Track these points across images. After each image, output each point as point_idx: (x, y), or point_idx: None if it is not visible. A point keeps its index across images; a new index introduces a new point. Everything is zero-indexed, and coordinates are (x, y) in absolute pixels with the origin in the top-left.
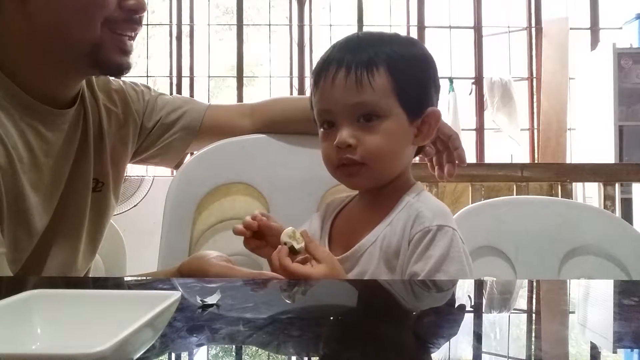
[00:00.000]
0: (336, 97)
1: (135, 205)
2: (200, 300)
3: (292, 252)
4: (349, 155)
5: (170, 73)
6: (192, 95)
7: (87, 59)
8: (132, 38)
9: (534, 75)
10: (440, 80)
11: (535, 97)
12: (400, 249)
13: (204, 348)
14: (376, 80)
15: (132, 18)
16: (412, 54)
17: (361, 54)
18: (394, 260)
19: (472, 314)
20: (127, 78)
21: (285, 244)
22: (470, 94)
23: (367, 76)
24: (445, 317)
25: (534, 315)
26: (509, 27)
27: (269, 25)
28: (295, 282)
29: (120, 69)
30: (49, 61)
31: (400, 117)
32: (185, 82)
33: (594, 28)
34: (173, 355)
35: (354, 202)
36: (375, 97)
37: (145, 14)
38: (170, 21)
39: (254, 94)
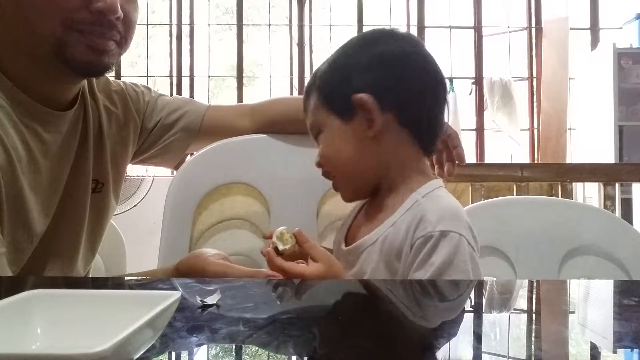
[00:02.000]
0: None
1: (135, 205)
2: (200, 300)
3: (277, 252)
4: (323, 170)
5: (170, 73)
6: (192, 95)
7: (56, 57)
8: (109, 39)
9: (534, 75)
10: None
11: (535, 97)
12: (402, 252)
13: (204, 348)
14: (311, 103)
15: (102, 21)
16: (337, 57)
17: (308, 83)
18: (395, 262)
19: (472, 314)
20: (127, 78)
21: (273, 244)
22: (470, 94)
23: (305, 103)
24: (445, 317)
25: (534, 315)
26: (509, 27)
27: (269, 25)
28: (295, 282)
29: (94, 68)
30: (28, 59)
31: (333, 122)
32: (185, 82)
33: (594, 28)
34: (173, 355)
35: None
36: (314, 117)
37: (120, 16)
38: (170, 21)
39: (254, 94)
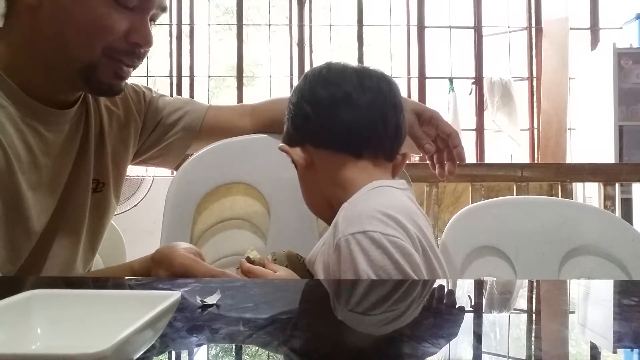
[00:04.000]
0: None
1: (135, 205)
2: (200, 300)
3: (249, 261)
4: None
5: (170, 73)
6: (192, 95)
7: (80, 76)
8: (132, 67)
9: (534, 75)
10: (441, 81)
11: (535, 97)
12: (332, 267)
13: (204, 348)
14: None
15: (134, 51)
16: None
17: None
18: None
19: (472, 314)
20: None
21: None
22: (470, 94)
23: None
24: (445, 317)
25: (534, 315)
26: (509, 27)
27: (269, 25)
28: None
29: (111, 91)
30: (47, 71)
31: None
32: (185, 82)
33: (594, 28)
34: (173, 355)
35: None
36: None
37: (149, 50)
38: (170, 21)
39: (254, 94)
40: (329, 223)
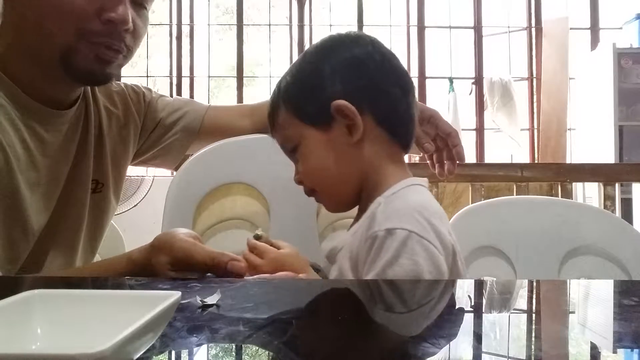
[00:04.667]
0: (277, 144)
1: (135, 205)
2: (200, 300)
3: (256, 238)
4: (304, 187)
5: (170, 73)
6: (192, 95)
7: (62, 64)
8: (120, 51)
9: (534, 75)
10: (441, 81)
11: (535, 97)
12: (360, 257)
13: (204, 348)
14: (279, 117)
15: (112, 32)
16: (300, 68)
17: (270, 99)
18: (360, 267)
19: (472, 314)
20: (127, 78)
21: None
22: (470, 94)
23: (272, 119)
24: (445, 317)
25: (534, 315)
26: (509, 27)
27: (269, 25)
28: (297, 282)
29: (95, 78)
30: (33, 62)
31: (310, 134)
32: (185, 82)
33: (594, 28)
34: (173, 355)
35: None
36: (285, 132)
37: (130, 28)
38: (170, 21)
39: (254, 94)
40: (344, 207)
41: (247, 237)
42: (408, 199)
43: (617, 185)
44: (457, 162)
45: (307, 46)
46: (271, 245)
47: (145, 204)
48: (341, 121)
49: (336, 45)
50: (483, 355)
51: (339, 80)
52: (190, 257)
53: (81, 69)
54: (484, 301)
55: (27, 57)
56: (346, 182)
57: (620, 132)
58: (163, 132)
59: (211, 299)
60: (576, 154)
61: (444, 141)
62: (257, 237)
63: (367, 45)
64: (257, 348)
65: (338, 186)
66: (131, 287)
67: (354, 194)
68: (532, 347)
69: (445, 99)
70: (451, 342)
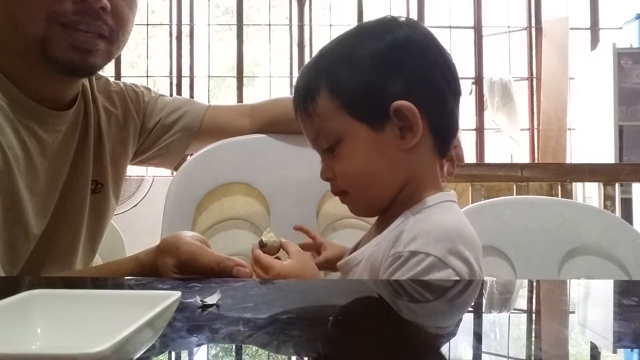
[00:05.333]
0: (305, 132)
1: (135, 205)
2: (200, 300)
3: (261, 245)
4: (333, 185)
5: (170, 73)
6: (192, 95)
7: (41, 56)
8: (100, 35)
9: (534, 75)
10: None
11: (535, 97)
12: (379, 271)
13: (204, 348)
14: (319, 106)
15: (86, 10)
16: (355, 54)
17: (303, 81)
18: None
19: (472, 314)
20: (127, 78)
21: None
22: (470, 94)
23: (310, 106)
24: (445, 317)
25: (534, 315)
26: (509, 27)
27: (269, 25)
28: (297, 282)
29: (76, 67)
30: (22, 60)
31: (359, 131)
32: (185, 82)
33: (594, 28)
34: (173, 355)
35: None
36: (326, 124)
37: (106, 6)
38: (170, 21)
39: (254, 94)
40: (373, 214)
41: (252, 243)
42: (439, 221)
43: (617, 185)
44: (457, 163)
45: (307, 46)
46: (280, 247)
47: (145, 204)
48: (396, 123)
49: (387, 29)
50: (483, 355)
51: (400, 74)
52: (196, 260)
53: (60, 58)
54: (484, 301)
55: (11, 52)
56: (386, 189)
57: (620, 132)
58: (162, 131)
59: (211, 299)
60: (576, 154)
61: None
62: (262, 245)
63: (419, 31)
64: (257, 348)
65: (376, 192)
66: (131, 287)
67: (389, 202)
68: (532, 347)
69: None
70: (451, 342)
